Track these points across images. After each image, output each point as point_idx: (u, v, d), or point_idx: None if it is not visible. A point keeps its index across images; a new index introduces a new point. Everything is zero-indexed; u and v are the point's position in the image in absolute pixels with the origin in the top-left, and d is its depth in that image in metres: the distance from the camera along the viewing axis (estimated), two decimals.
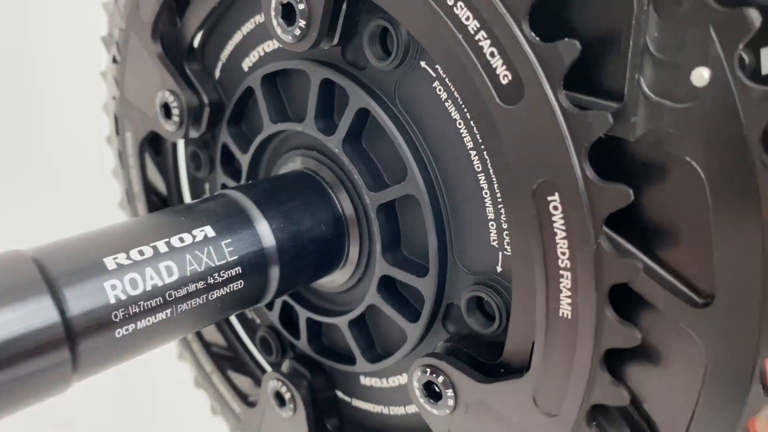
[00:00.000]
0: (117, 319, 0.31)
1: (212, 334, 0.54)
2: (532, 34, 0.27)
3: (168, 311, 0.33)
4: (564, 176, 0.27)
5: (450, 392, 0.35)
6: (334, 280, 0.43)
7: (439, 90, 0.34)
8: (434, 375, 0.35)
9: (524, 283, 0.32)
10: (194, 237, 0.34)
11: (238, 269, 0.35)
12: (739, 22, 0.23)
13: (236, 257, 0.35)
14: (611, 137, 0.27)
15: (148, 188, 0.52)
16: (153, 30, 0.45)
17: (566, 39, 0.26)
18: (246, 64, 0.44)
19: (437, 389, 0.36)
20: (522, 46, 0.27)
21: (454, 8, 0.29)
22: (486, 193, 0.34)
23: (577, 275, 0.28)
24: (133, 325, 0.32)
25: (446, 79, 0.34)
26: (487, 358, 0.35)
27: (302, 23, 0.35)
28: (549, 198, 0.28)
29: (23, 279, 0.29)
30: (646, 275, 0.27)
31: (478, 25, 0.28)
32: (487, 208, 0.34)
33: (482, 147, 0.33)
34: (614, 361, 0.30)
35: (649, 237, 0.28)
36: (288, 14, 0.36)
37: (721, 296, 0.26)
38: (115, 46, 0.50)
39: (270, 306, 0.47)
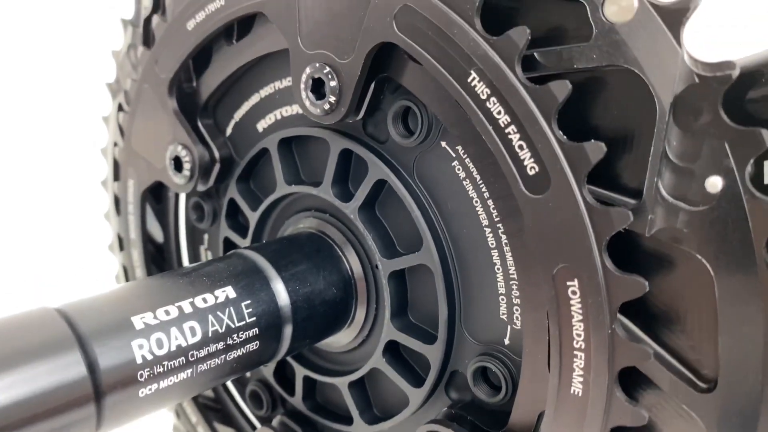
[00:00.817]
0: (142, 379, 0.31)
1: None
2: (560, 132, 0.30)
3: (189, 371, 0.33)
4: (584, 265, 0.30)
5: None
6: (338, 341, 0.44)
7: (458, 169, 0.36)
8: None
9: (534, 359, 0.34)
10: (216, 298, 0.35)
11: (255, 330, 0.36)
12: (752, 140, 0.26)
13: (254, 318, 0.36)
14: (628, 231, 0.29)
15: (146, 236, 0.53)
16: (170, 87, 0.46)
17: (593, 141, 0.29)
18: (261, 125, 0.46)
19: None
20: (551, 143, 0.30)
21: (487, 102, 0.31)
22: (498, 269, 0.36)
23: (590, 356, 0.31)
24: (156, 385, 0.32)
25: (466, 160, 0.36)
26: (490, 427, 0.37)
27: (332, 99, 0.37)
28: (568, 283, 0.30)
29: (54, 335, 0.30)
30: (654, 359, 0.30)
31: (509, 120, 0.31)
32: (499, 283, 0.36)
33: (497, 225, 0.35)
34: None
35: (657, 323, 0.31)
36: (317, 88, 0.37)
37: (724, 382, 0.29)
38: (123, 95, 0.51)
39: None
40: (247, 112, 0.46)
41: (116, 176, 0.54)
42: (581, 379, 0.31)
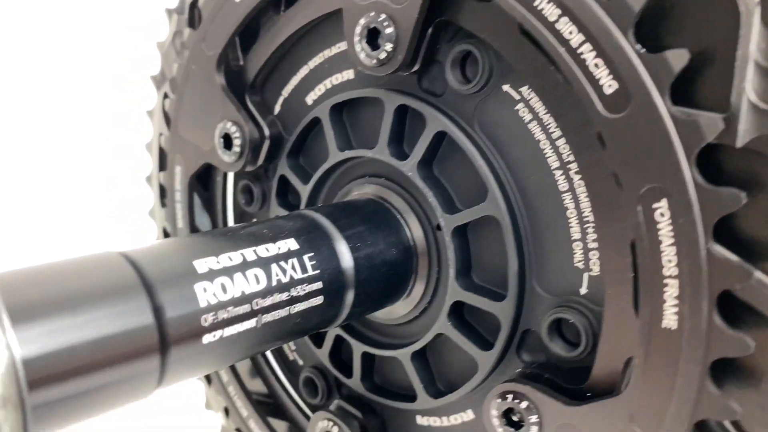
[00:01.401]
0: (206, 324, 0.30)
1: (251, 382, 0.52)
2: (639, 45, 0.28)
3: (253, 321, 0.32)
4: (673, 182, 0.28)
5: (534, 418, 0.34)
6: (397, 311, 0.42)
7: (523, 112, 0.35)
8: (516, 401, 0.34)
9: (618, 300, 0.32)
10: (279, 248, 0.34)
11: (319, 284, 0.35)
12: None
13: (318, 272, 0.35)
14: (716, 145, 0.28)
15: (193, 226, 0.52)
16: (218, 63, 0.45)
17: (675, 49, 0.27)
18: (310, 97, 0.45)
19: (516, 418, 0.35)
20: (629, 57, 0.28)
21: (557, 24, 0.30)
22: (571, 213, 0.34)
23: (684, 283, 0.28)
24: (220, 332, 0.31)
25: (532, 101, 0.34)
26: (570, 384, 0.35)
27: (389, 47, 0.36)
28: (655, 205, 0.29)
29: (120, 278, 0.28)
30: (756, 279, 0.27)
31: (583, 39, 0.29)
32: (572, 228, 0.34)
33: (568, 166, 0.34)
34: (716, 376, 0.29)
35: (750, 247, 0.29)
36: (372, 39, 0.37)
37: None
38: (169, 83, 0.51)
39: (319, 343, 0.46)
40: (296, 86, 0.46)
41: (162, 166, 0.54)
42: (675, 310, 0.29)
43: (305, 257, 0.34)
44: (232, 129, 0.45)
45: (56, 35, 0.99)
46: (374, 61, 0.37)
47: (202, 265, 0.30)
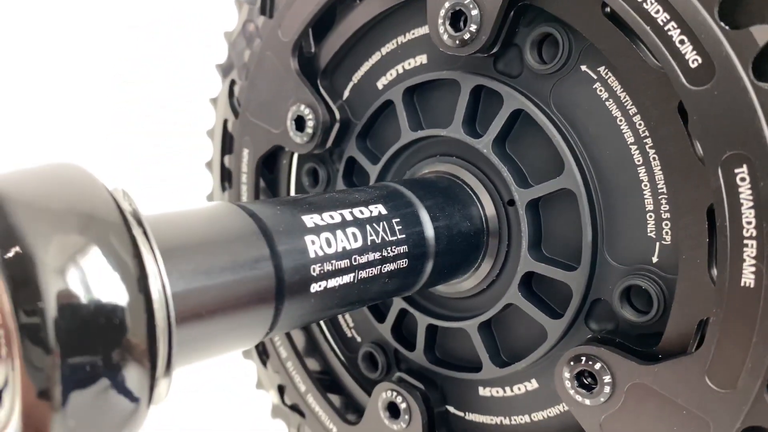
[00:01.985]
0: (314, 273, 0.32)
1: (308, 360, 0.54)
2: (722, 23, 0.31)
3: (351, 276, 0.34)
4: (755, 148, 0.30)
5: (607, 378, 0.36)
6: (463, 285, 0.44)
7: (600, 90, 0.37)
8: (590, 362, 0.36)
9: (692, 264, 0.34)
10: (371, 212, 0.36)
11: (405, 247, 0.37)
12: None
13: (404, 235, 0.37)
14: None
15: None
16: (294, 48, 0.48)
17: (759, 25, 0.30)
18: (381, 82, 0.47)
19: (588, 381, 0.37)
20: (714, 32, 0.31)
21: (644, 4, 0.32)
22: (645, 185, 0.37)
23: (763, 242, 0.30)
24: (324, 283, 0.33)
25: (610, 79, 0.37)
26: (640, 347, 0.37)
27: (473, 27, 0.38)
28: (736, 170, 0.31)
29: (242, 227, 0.30)
30: None
31: (668, 17, 0.32)
32: (646, 200, 0.37)
33: (644, 141, 0.36)
34: None
35: None
36: (455, 22, 0.39)
37: None
38: (238, 71, 0.53)
39: (382, 319, 0.48)
40: (367, 72, 0.48)
41: (228, 150, 0.56)
42: (753, 269, 0.31)
43: (393, 221, 0.37)
44: (306, 111, 0.48)
45: (56, 35, 1.00)
46: (457, 42, 0.39)
47: (308, 220, 0.33)
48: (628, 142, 0.37)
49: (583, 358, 0.37)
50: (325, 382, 0.53)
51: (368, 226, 0.35)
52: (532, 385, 0.43)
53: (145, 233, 0.27)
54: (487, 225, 0.42)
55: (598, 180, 0.38)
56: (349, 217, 0.34)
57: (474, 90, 0.41)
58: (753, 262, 0.31)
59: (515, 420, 0.44)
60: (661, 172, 0.36)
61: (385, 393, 0.46)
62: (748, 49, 0.30)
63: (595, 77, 0.37)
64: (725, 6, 0.31)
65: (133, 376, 0.25)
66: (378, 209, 0.36)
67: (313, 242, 0.32)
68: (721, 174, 0.31)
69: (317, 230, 0.33)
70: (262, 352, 0.56)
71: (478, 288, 0.44)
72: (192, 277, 0.28)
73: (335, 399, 0.52)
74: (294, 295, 0.31)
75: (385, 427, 0.46)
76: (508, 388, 0.44)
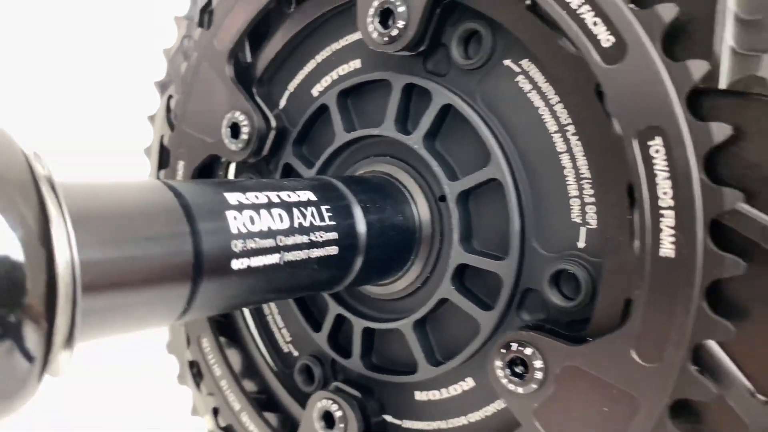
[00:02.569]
0: (236, 249, 0.31)
1: (244, 379, 0.52)
2: (631, 4, 0.32)
3: (277, 257, 0.33)
4: (667, 120, 0.31)
5: (539, 363, 0.35)
6: (397, 285, 0.44)
7: (522, 83, 0.38)
8: (521, 348, 0.36)
9: (617, 240, 0.34)
10: (299, 196, 0.35)
11: (335, 234, 0.36)
12: None
13: (334, 223, 0.37)
14: (702, 90, 0.31)
15: None
16: (229, 56, 0.48)
17: (663, 4, 0.31)
18: (317, 89, 0.48)
19: (520, 369, 0.36)
20: (624, 13, 0.32)
21: None
22: (569, 172, 0.37)
23: (680, 212, 0.31)
24: (247, 260, 0.32)
25: (531, 71, 0.38)
26: (570, 332, 0.36)
27: (400, 23, 0.39)
28: (650, 143, 0.32)
29: (165, 203, 0.30)
30: (742, 205, 0.30)
31: (582, 1, 0.33)
32: (570, 186, 0.37)
33: (566, 128, 0.37)
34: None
35: (737, 178, 0.32)
36: (384, 20, 0.40)
37: None
38: (174, 85, 0.53)
39: (318, 327, 0.47)
40: (303, 80, 0.49)
41: (162, 165, 0.55)
42: (672, 239, 0.32)
43: (323, 208, 0.36)
44: (241, 118, 0.48)
45: (59, 38, 0.99)
46: (386, 38, 0.40)
47: (232, 197, 0.32)
48: (551, 131, 0.38)
49: (514, 344, 0.36)
50: (261, 401, 0.51)
51: (295, 209, 0.35)
52: (468, 384, 0.42)
53: (56, 197, 0.26)
54: (419, 220, 0.42)
55: (525, 170, 0.39)
56: (275, 199, 0.34)
57: (405, 88, 0.42)
58: (672, 232, 0.32)
59: (452, 423, 0.43)
60: (583, 158, 0.37)
61: (320, 402, 0.45)
62: (655, 27, 0.32)
63: (518, 70, 0.39)
64: None
65: (29, 338, 0.24)
66: (307, 195, 0.36)
67: (235, 218, 0.32)
68: (637, 147, 0.32)
69: (240, 207, 0.32)
70: (197, 374, 0.54)
71: (413, 287, 0.43)
72: (104, 246, 0.27)
73: (271, 417, 0.50)
74: (214, 271, 0.30)
75: None
76: (444, 390, 0.43)
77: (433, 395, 0.44)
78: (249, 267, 0.32)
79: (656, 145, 0.32)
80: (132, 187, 0.30)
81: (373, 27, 0.40)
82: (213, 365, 0.52)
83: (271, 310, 0.52)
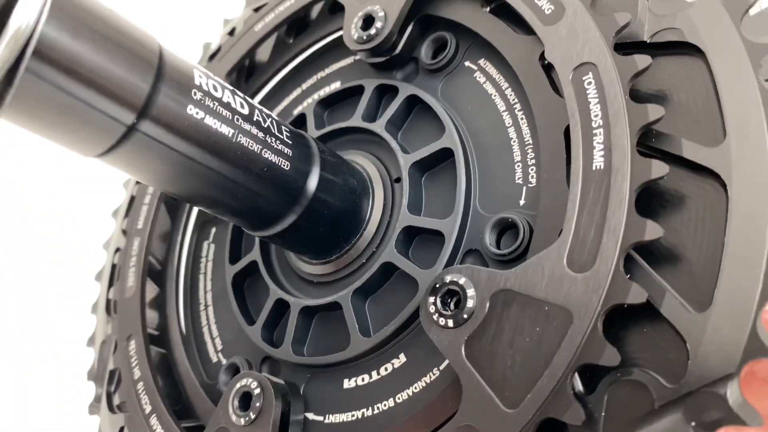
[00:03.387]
0: (195, 97, 0.33)
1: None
2: None
3: (231, 131, 0.35)
4: (597, 56, 0.35)
5: (471, 291, 0.35)
6: (343, 260, 0.43)
7: (478, 77, 0.43)
8: (456, 278, 0.35)
9: (554, 175, 0.36)
10: (263, 110, 0.38)
11: (290, 151, 0.38)
12: None
13: (291, 142, 0.38)
14: (629, 43, 0.36)
15: (153, 224, 0.53)
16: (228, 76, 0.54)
17: None
18: (297, 110, 0.53)
19: (452, 304, 0.35)
20: None
21: None
22: (514, 142, 0.40)
23: (609, 128, 0.34)
24: (202, 113, 0.33)
25: (487, 67, 0.43)
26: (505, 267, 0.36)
27: (378, 24, 0.45)
28: (584, 77, 0.36)
29: (145, 43, 0.32)
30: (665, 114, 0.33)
31: None
32: (515, 153, 0.40)
33: (513, 106, 0.41)
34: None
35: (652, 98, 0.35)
36: (367, 26, 0.46)
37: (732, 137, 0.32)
38: None
39: (252, 322, 0.45)
40: (287, 105, 0.54)
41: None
42: (602, 153, 0.34)
43: (284, 127, 0.39)
44: None
45: None
46: (364, 37, 0.46)
47: (200, 72, 0.35)
48: (501, 110, 0.41)
49: (448, 276, 0.35)
50: (177, 409, 0.47)
51: (257, 111, 0.37)
52: (400, 360, 0.40)
53: None
54: (372, 192, 0.43)
55: (475, 146, 0.42)
56: (240, 95, 0.36)
57: (376, 89, 0.46)
58: (601, 147, 0.34)
59: (378, 408, 0.39)
60: (527, 127, 0.40)
61: (240, 381, 0.41)
62: None
63: (476, 68, 0.44)
64: None
65: None
66: (272, 117, 0.38)
67: (200, 77, 0.34)
68: (573, 83, 0.36)
69: (208, 76, 0.34)
70: (116, 382, 0.50)
71: (358, 262, 0.43)
72: (73, 31, 0.29)
73: (185, 423, 0.45)
74: (169, 100, 0.32)
75: (230, 421, 0.40)
76: (374, 372, 0.40)
77: (362, 380, 0.41)
78: (202, 122, 0.33)
79: (588, 78, 0.35)
80: (132, 25, 0.32)
81: (355, 29, 0.46)
82: (134, 368, 0.48)
83: (208, 320, 0.51)
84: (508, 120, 0.41)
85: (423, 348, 0.39)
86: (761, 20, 0.35)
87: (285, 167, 0.38)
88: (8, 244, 0.97)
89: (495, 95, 0.42)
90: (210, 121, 0.34)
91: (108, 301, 0.55)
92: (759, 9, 0.36)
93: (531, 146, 0.39)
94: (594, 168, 0.34)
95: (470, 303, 0.34)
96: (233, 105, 0.35)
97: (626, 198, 0.32)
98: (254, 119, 0.36)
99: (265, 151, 0.37)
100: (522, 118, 0.40)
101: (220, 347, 0.49)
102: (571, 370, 0.31)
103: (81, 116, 0.30)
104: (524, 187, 0.39)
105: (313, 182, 0.39)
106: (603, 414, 0.31)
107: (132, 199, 0.57)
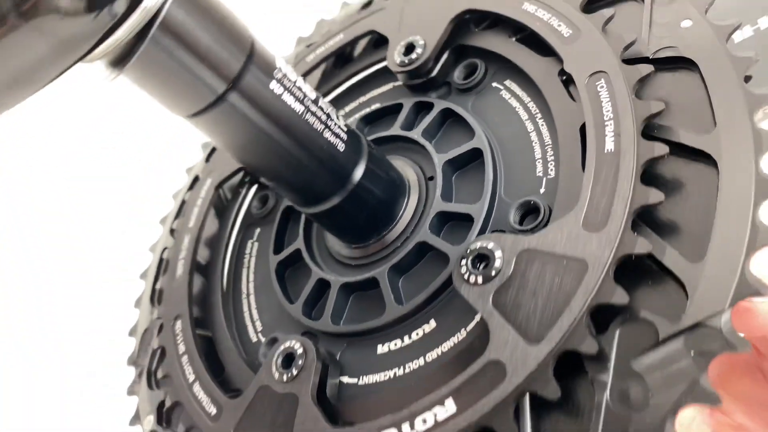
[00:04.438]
0: (277, 76, 0.40)
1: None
2: (582, 11, 0.46)
3: (301, 109, 0.41)
4: (609, 67, 0.43)
5: (499, 252, 0.40)
6: (381, 243, 0.49)
7: (504, 94, 0.51)
8: (485, 244, 0.41)
9: (572, 164, 0.42)
10: (325, 100, 0.45)
11: (345, 137, 0.44)
12: None
13: (346, 131, 0.45)
14: (635, 59, 0.43)
15: (203, 224, 0.59)
16: None
17: (603, 9, 0.46)
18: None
19: (482, 264, 0.40)
20: (578, 14, 0.46)
21: (535, 13, 0.48)
22: (535, 143, 0.47)
23: (618, 120, 0.40)
24: (281, 90, 0.40)
25: (512, 87, 0.50)
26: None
27: (419, 50, 0.53)
28: (597, 83, 0.43)
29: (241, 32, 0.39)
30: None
31: (550, 15, 0.48)
32: (536, 152, 0.46)
33: (536, 116, 0.48)
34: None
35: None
36: (408, 52, 0.54)
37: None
38: None
39: (293, 300, 0.50)
40: None
41: (191, 188, 0.64)
42: (613, 139, 0.40)
43: (341, 118, 0.45)
44: None
45: None
46: (405, 60, 0.53)
47: (281, 58, 0.42)
48: (524, 119, 0.48)
49: (478, 243, 0.41)
50: (220, 381, 0.51)
51: (321, 99, 0.44)
52: (430, 326, 0.44)
53: None
54: (409, 187, 0.49)
55: (500, 148, 0.48)
56: (308, 84, 0.43)
57: (414, 105, 0.54)
58: (612, 134, 0.40)
59: (409, 367, 0.44)
60: (547, 131, 0.47)
61: (285, 343, 0.46)
62: (599, 21, 0.45)
63: (502, 87, 0.51)
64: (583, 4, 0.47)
65: None
66: (332, 106, 0.45)
67: (280, 62, 0.41)
68: (587, 88, 0.43)
69: (286, 63, 0.42)
70: (159, 358, 0.54)
71: (394, 245, 0.48)
72: (190, 12, 0.36)
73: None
74: (255, 76, 0.39)
75: (273, 380, 0.45)
76: (406, 337, 0.45)
77: (395, 345, 0.45)
78: (281, 97, 0.40)
79: (600, 83, 0.42)
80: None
81: (398, 55, 0.54)
82: (179, 344, 0.53)
83: (249, 306, 0.55)
84: (530, 126, 0.48)
85: (452, 313, 0.44)
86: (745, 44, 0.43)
87: (340, 149, 0.44)
88: (15, 244, 1.00)
89: (519, 107, 0.49)
90: (286, 97, 0.41)
91: (154, 291, 0.60)
92: (742, 38, 0.44)
93: (550, 146, 0.46)
94: (606, 150, 0.40)
95: (497, 263, 0.40)
96: (304, 89, 0.42)
97: (633, 172, 0.38)
98: (319, 104, 0.43)
99: (326, 132, 0.43)
100: (542, 125, 0.47)
101: (260, 329, 0.53)
102: (586, 310, 0.36)
103: (184, 80, 0.37)
104: (544, 179, 0.45)
105: (360, 170, 0.45)
106: (614, 347, 0.36)
107: (182, 204, 0.63)
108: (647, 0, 0.46)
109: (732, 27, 0.42)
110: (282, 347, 0.46)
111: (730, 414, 0.42)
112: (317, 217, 0.48)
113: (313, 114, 0.42)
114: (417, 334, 0.45)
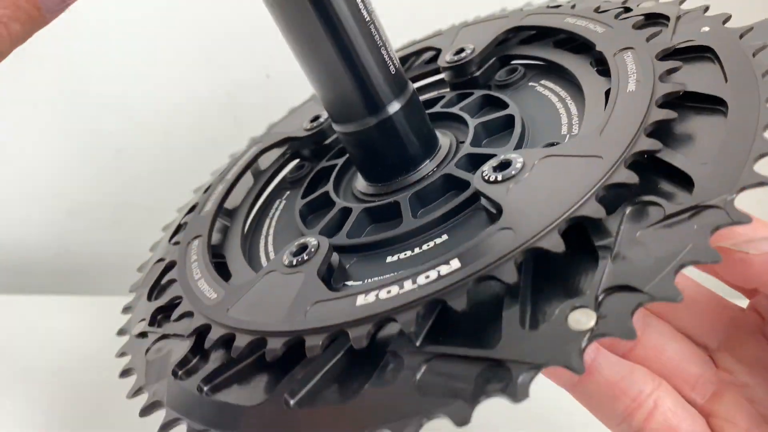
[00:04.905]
0: None
1: None
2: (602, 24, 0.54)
3: (368, 18, 0.46)
4: (635, 44, 0.49)
5: (520, 159, 0.43)
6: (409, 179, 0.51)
7: (539, 89, 0.56)
8: (507, 154, 0.44)
9: (594, 110, 0.47)
10: None
11: (397, 65, 0.49)
12: None
13: (398, 65, 0.50)
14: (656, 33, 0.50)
15: (237, 178, 0.63)
16: None
17: (632, 17, 0.53)
18: None
19: (504, 167, 0.43)
20: (611, 20, 0.53)
21: (574, 25, 0.56)
22: (563, 115, 0.52)
23: (641, 73, 0.45)
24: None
25: (547, 82, 0.56)
26: None
27: (468, 51, 0.60)
28: (625, 56, 0.48)
29: None
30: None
31: (585, 23, 0.55)
32: (563, 120, 0.51)
33: (566, 100, 0.53)
34: None
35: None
36: (458, 52, 0.61)
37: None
38: None
39: (311, 225, 0.53)
40: None
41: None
42: (634, 82, 0.45)
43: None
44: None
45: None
46: (455, 59, 0.60)
47: None
48: (554, 101, 0.54)
49: (503, 155, 0.44)
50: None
51: (382, 27, 0.50)
52: (442, 239, 0.46)
53: None
54: (440, 147, 0.53)
55: (530, 121, 0.53)
56: None
57: (455, 96, 0.60)
58: (634, 79, 0.45)
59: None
60: (575, 108, 0.52)
61: (301, 239, 0.47)
62: (630, 21, 0.52)
63: (537, 85, 0.57)
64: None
65: None
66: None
67: None
68: (616, 58, 0.49)
69: None
70: (167, 268, 0.55)
71: (420, 183, 0.51)
72: None
73: None
74: None
75: (281, 265, 0.46)
76: (416, 248, 0.46)
77: (404, 255, 0.46)
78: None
79: (628, 54, 0.48)
80: None
81: (449, 54, 0.61)
82: (191, 255, 0.54)
83: (266, 240, 0.57)
84: (559, 106, 0.53)
85: (466, 229, 0.45)
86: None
87: (391, 71, 0.49)
88: None
89: (551, 95, 0.55)
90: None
91: (179, 226, 0.62)
92: None
93: (576, 116, 0.51)
94: (628, 90, 0.45)
95: (518, 164, 0.43)
96: (371, 7, 0.48)
97: (650, 99, 0.43)
98: (381, 28, 0.49)
99: (384, 49, 0.48)
100: (571, 103, 0.52)
101: (271, 253, 0.55)
102: (597, 190, 0.38)
103: None
104: (567, 136, 0.49)
105: (396, 105, 0.49)
106: (621, 223, 0.37)
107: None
108: (672, 18, 0.53)
109: (746, 28, 0.48)
110: (297, 242, 0.47)
111: (735, 374, 0.43)
112: (346, 138, 0.51)
113: (377, 28, 0.48)
114: (428, 245, 0.46)
